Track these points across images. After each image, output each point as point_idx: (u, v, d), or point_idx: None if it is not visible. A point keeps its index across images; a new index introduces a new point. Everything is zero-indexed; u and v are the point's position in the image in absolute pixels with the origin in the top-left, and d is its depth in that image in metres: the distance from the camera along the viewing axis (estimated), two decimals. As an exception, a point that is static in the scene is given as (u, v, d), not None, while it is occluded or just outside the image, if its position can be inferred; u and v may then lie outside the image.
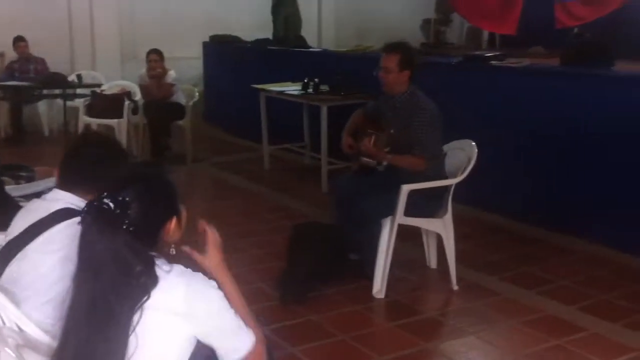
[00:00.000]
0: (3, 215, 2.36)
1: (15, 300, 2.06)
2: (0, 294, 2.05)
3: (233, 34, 9.26)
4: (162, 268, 1.70)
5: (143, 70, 7.40)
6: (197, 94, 7.64)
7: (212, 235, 1.98)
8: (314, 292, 4.00)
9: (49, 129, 8.78)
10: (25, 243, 2.11)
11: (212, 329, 1.72)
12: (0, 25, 8.68)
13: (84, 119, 7.59)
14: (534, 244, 4.90)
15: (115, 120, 7.44)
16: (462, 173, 4.01)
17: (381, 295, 3.98)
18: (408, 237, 4.39)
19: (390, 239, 3.96)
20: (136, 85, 7.72)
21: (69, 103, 8.11)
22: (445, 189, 4.07)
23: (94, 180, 2.15)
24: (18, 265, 2.11)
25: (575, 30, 9.23)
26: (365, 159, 4.17)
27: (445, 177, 4.10)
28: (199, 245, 1.99)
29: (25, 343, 2.05)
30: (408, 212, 3.93)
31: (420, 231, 4.38)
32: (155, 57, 7.21)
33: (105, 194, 1.65)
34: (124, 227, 1.62)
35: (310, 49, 8.34)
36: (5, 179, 3.19)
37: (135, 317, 1.63)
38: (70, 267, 1.96)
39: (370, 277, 4.03)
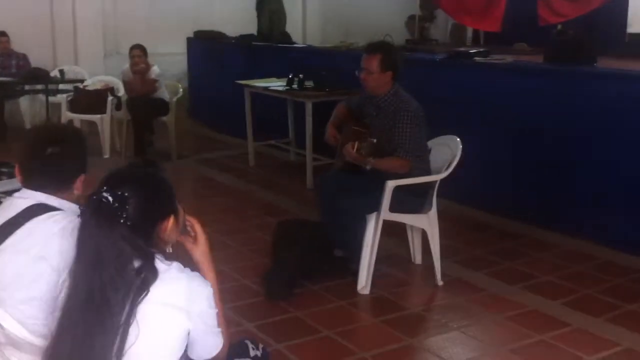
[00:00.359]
0: None
1: None
2: None
3: (217, 29, 9.22)
4: (163, 262, 1.74)
5: (126, 65, 7.35)
6: (181, 90, 7.60)
7: (199, 226, 2.02)
8: (299, 289, 4.00)
9: (31, 124, 8.69)
10: None
11: (201, 325, 1.76)
12: (-18, 20, 8.59)
13: (67, 115, 7.54)
14: (518, 239, 4.92)
15: (98, 116, 7.40)
16: (446, 169, 4.02)
17: (366, 291, 3.99)
18: (393, 233, 4.40)
19: (375, 235, 3.96)
20: (119, 80, 7.67)
21: (51, 98, 8.06)
22: (430, 184, 4.08)
23: (60, 179, 2.13)
24: None
25: (559, 27, 9.28)
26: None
27: (430, 173, 4.10)
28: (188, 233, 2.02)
29: (7, 341, 2.03)
30: (393, 208, 3.93)
31: (405, 227, 4.38)
32: (138, 52, 7.16)
33: (104, 188, 1.69)
34: (122, 221, 1.66)
35: (295, 45, 8.33)
36: None
37: (136, 309, 1.65)
38: (44, 265, 1.97)
39: (355, 273, 4.03)
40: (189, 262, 1.94)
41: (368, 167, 3.96)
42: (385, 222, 3.98)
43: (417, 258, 4.44)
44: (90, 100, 7.44)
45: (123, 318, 1.64)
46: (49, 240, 2.00)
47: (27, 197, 2.13)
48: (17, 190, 2.20)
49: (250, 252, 4.64)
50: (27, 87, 8.20)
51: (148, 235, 1.74)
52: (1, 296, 2.05)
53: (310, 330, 3.55)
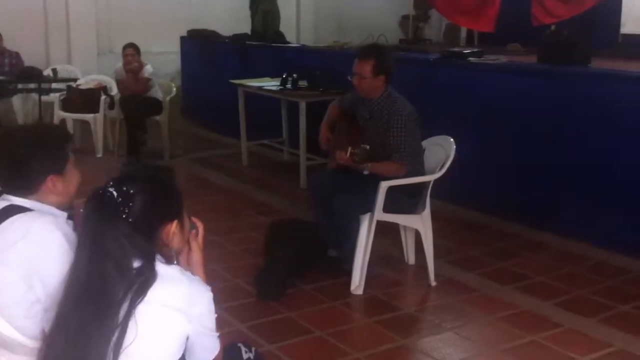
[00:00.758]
0: None
1: None
2: None
3: (211, 28, 9.20)
4: (164, 264, 1.75)
5: (119, 64, 7.32)
6: (174, 89, 7.58)
7: (202, 230, 2.03)
8: (292, 289, 3.99)
9: (24, 123, 8.65)
10: None
11: (202, 328, 1.76)
12: (-26, 18, 8.55)
13: (60, 114, 7.51)
14: (511, 240, 4.93)
15: (91, 115, 7.37)
16: (440, 169, 4.02)
17: (359, 292, 3.98)
18: (386, 233, 4.40)
19: (369, 235, 3.96)
20: (112, 79, 7.64)
21: (44, 97, 8.00)
22: (424, 185, 4.07)
23: (26, 181, 2.11)
24: None
25: (553, 27, 9.29)
26: None
27: (424, 174, 4.10)
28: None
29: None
30: (387, 209, 3.93)
31: (398, 227, 4.38)
32: (132, 51, 7.13)
33: (111, 183, 1.72)
34: (124, 216, 1.67)
35: (289, 45, 8.31)
36: None
37: (134, 310, 1.65)
38: (4, 271, 1.96)
39: (348, 274, 4.03)
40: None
41: (365, 172, 3.94)
42: (379, 223, 3.98)
43: (411, 258, 4.44)
44: (83, 99, 7.41)
45: (121, 316, 1.64)
46: (9, 247, 2.00)
47: (2, 200, 2.12)
48: None
49: (243, 252, 4.63)
50: (19, 86, 8.14)
51: (150, 237, 1.75)
52: None
53: (303, 330, 3.54)
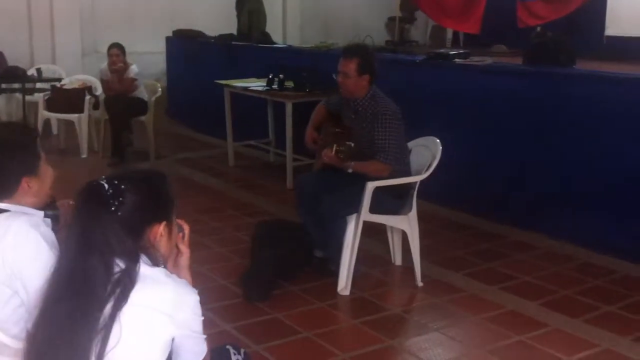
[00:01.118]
0: None
1: None
2: None
3: (197, 29, 9.17)
4: (149, 266, 1.73)
5: (104, 64, 7.27)
6: (160, 89, 7.54)
7: (188, 231, 2.02)
8: (278, 290, 3.98)
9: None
10: None
11: (188, 331, 1.75)
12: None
13: (44, 114, 7.44)
14: (497, 240, 4.94)
15: (76, 115, 7.32)
16: (426, 170, 4.02)
17: (346, 292, 3.97)
18: (373, 234, 4.40)
19: (355, 236, 3.95)
20: (97, 79, 7.59)
21: (28, 97, 7.96)
22: (410, 186, 4.07)
23: (1, 190, 2.08)
24: None
25: (538, 29, 9.35)
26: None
27: (410, 174, 4.10)
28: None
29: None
30: (373, 209, 3.93)
31: (385, 228, 4.38)
32: (117, 51, 7.08)
33: (103, 177, 1.73)
34: (113, 209, 1.67)
35: (275, 45, 8.30)
36: None
37: (119, 312, 1.64)
38: (1, 276, 1.95)
39: (335, 274, 4.02)
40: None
41: (350, 171, 3.96)
42: (366, 223, 3.97)
43: (397, 259, 4.44)
44: (67, 99, 7.35)
45: (105, 317, 1.62)
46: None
47: None
48: None
49: (229, 253, 4.61)
50: (3, 86, 8.09)
51: (137, 235, 1.74)
52: None
53: (289, 331, 3.53)
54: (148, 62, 8.70)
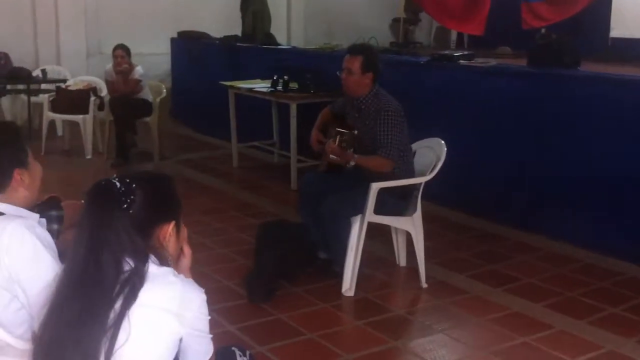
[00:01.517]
0: None
1: None
2: None
3: (201, 30, 9.18)
4: (157, 266, 1.74)
5: (109, 65, 7.29)
6: (164, 90, 7.55)
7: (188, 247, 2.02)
8: (282, 291, 3.98)
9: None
10: None
11: (195, 330, 1.75)
12: (-38, 19, 8.50)
13: (49, 115, 7.46)
14: (501, 242, 4.94)
15: (81, 116, 7.33)
16: (431, 171, 4.02)
17: (350, 293, 3.97)
18: (377, 235, 4.40)
19: (360, 237, 3.95)
20: (102, 80, 7.61)
21: (33, 98, 7.99)
22: (415, 187, 4.07)
23: None
24: None
25: (542, 30, 9.34)
26: (333, 157, 4.17)
27: (414, 175, 4.11)
28: None
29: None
30: (377, 210, 3.93)
31: (389, 229, 4.38)
32: (122, 52, 7.10)
33: (114, 176, 1.75)
34: (125, 206, 1.68)
35: (279, 47, 8.31)
36: None
37: (127, 311, 1.65)
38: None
39: (339, 275, 4.02)
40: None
41: (352, 163, 3.99)
42: (370, 224, 3.97)
43: (402, 260, 4.44)
44: (72, 100, 7.36)
45: (113, 317, 1.63)
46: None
47: None
48: None
49: (233, 254, 4.61)
50: (8, 87, 8.12)
51: (148, 235, 1.75)
52: None
53: (293, 332, 3.53)
54: (153, 64, 8.71)
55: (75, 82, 7.81)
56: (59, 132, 8.19)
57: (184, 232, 1.91)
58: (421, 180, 4.04)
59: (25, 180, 2.13)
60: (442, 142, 4.10)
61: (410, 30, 11.87)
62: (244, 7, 8.60)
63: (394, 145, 3.97)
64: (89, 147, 7.36)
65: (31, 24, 9.08)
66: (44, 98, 7.66)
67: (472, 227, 5.23)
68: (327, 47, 7.76)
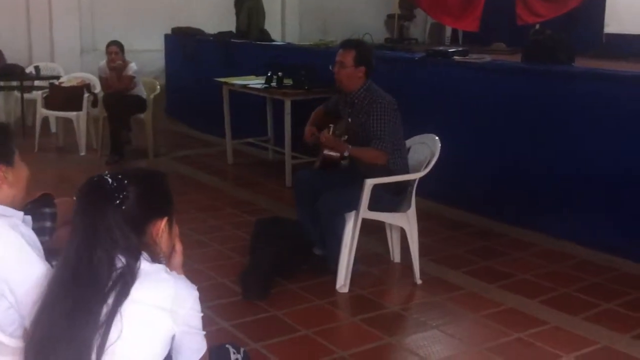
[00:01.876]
0: None
1: None
2: None
3: (195, 26, 9.16)
4: (150, 263, 1.74)
5: (103, 62, 7.27)
6: (158, 87, 7.53)
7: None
8: (276, 288, 3.98)
9: (6, 122, 8.56)
10: None
11: (188, 327, 1.75)
12: (-45, 15, 8.46)
13: (42, 112, 7.43)
14: (495, 238, 4.94)
15: (74, 113, 7.30)
16: (425, 167, 4.02)
17: (345, 290, 3.97)
18: (372, 232, 4.39)
19: (354, 234, 3.95)
20: (96, 77, 7.58)
21: (26, 95, 7.96)
22: (409, 183, 4.07)
23: None
24: None
25: (537, 26, 9.34)
26: (328, 153, 4.17)
27: (408, 171, 4.11)
28: None
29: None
30: (372, 207, 3.92)
31: (384, 225, 4.38)
32: (115, 49, 7.08)
33: (106, 172, 1.75)
34: (118, 202, 1.68)
35: (274, 43, 8.30)
36: None
37: (119, 308, 1.64)
38: None
39: (333, 272, 4.01)
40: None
41: (346, 153, 4.00)
42: (364, 221, 3.97)
43: (396, 257, 4.44)
44: (66, 97, 7.33)
45: (105, 313, 1.62)
46: None
47: None
48: None
49: (228, 251, 4.60)
50: (2, 84, 8.09)
51: (141, 231, 1.74)
52: None
53: (288, 329, 3.53)
54: (147, 60, 8.70)
55: (68, 79, 7.80)
56: (53, 129, 8.16)
57: (176, 229, 1.90)
58: (415, 176, 4.04)
59: (9, 178, 2.11)
60: (437, 138, 4.10)
61: (405, 26, 11.87)
62: (239, 3, 8.57)
63: (386, 137, 3.97)
64: (82, 144, 7.34)
65: (25, 20, 9.05)
66: (37, 95, 7.64)
67: (468, 223, 5.23)
68: (321, 44, 7.75)
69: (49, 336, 1.65)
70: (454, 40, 11.74)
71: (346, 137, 4.08)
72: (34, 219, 2.29)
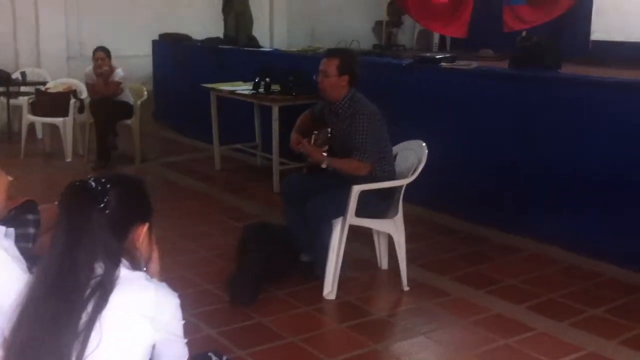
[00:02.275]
0: None
1: None
2: None
3: (183, 32, 9.14)
4: (130, 270, 1.73)
5: (89, 67, 7.23)
6: (145, 92, 7.50)
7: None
8: (263, 294, 3.95)
9: None
10: None
11: (169, 334, 1.74)
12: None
13: (28, 118, 7.38)
14: (482, 243, 4.94)
15: (61, 119, 7.26)
16: (412, 174, 4.01)
17: (332, 297, 3.95)
18: (359, 238, 4.38)
19: (341, 240, 3.94)
20: (82, 83, 7.54)
21: (12, 101, 7.91)
22: (396, 189, 4.07)
23: None
24: None
25: (523, 33, 9.38)
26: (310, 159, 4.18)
27: (395, 177, 4.10)
28: None
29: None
30: (359, 213, 3.91)
31: (371, 232, 4.37)
32: (102, 54, 7.04)
33: (89, 177, 1.75)
34: (102, 205, 1.68)
35: (262, 49, 8.29)
36: None
37: (99, 315, 1.63)
38: None
39: (320, 278, 4.00)
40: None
41: (323, 166, 3.99)
42: (351, 227, 3.96)
43: (383, 263, 4.43)
44: (52, 102, 7.29)
45: (85, 321, 1.61)
46: None
47: None
48: None
49: (215, 257, 4.57)
50: (-13, 90, 8.02)
51: (123, 236, 1.74)
52: None
53: (274, 336, 3.51)
54: (134, 66, 8.66)
55: (55, 85, 7.76)
56: (39, 135, 8.11)
57: (153, 236, 1.89)
58: (402, 182, 4.03)
59: None
60: (423, 144, 4.10)
61: (393, 33, 11.90)
62: (226, 9, 8.56)
63: (369, 148, 3.95)
64: (69, 149, 7.29)
65: (11, 25, 8.98)
66: (23, 101, 7.59)
67: (455, 229, 5.23)
68: (309, 50, 7.75)
69: (28, 343, 1.63)
70: (442, 47, 11.78)
71: (327, 147, 4.05)
72: (17, 225, 2.26)
